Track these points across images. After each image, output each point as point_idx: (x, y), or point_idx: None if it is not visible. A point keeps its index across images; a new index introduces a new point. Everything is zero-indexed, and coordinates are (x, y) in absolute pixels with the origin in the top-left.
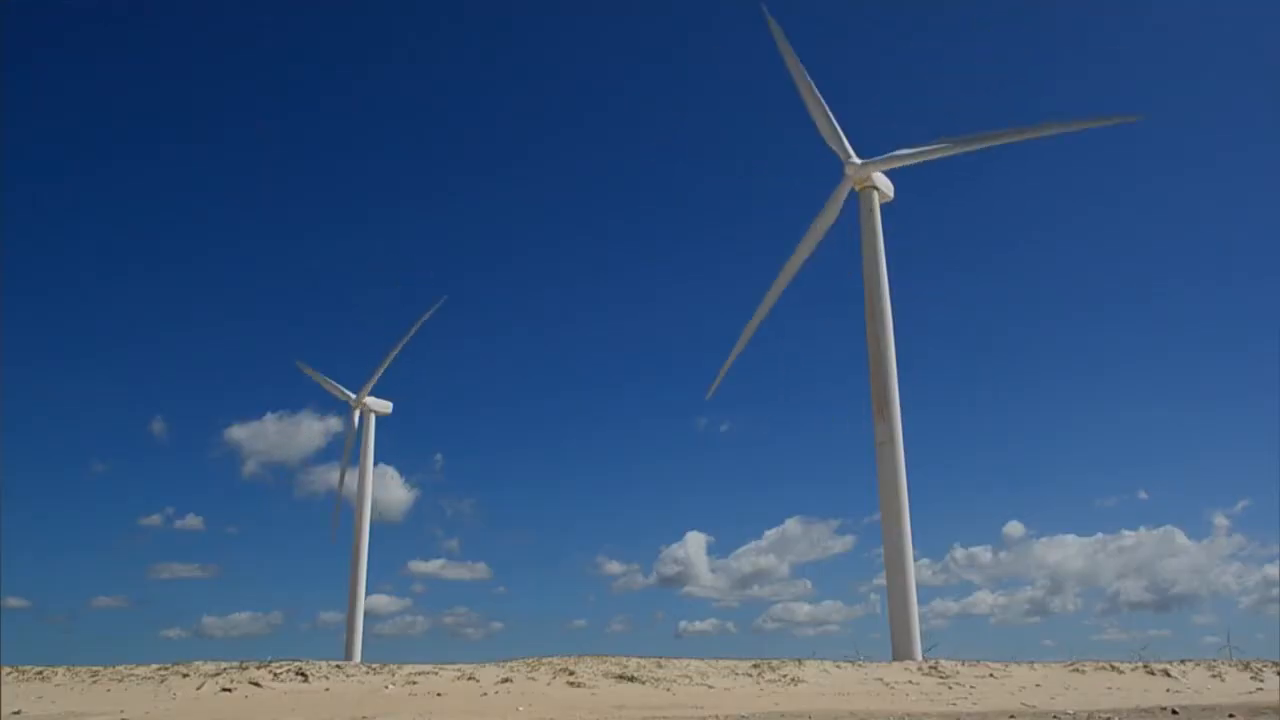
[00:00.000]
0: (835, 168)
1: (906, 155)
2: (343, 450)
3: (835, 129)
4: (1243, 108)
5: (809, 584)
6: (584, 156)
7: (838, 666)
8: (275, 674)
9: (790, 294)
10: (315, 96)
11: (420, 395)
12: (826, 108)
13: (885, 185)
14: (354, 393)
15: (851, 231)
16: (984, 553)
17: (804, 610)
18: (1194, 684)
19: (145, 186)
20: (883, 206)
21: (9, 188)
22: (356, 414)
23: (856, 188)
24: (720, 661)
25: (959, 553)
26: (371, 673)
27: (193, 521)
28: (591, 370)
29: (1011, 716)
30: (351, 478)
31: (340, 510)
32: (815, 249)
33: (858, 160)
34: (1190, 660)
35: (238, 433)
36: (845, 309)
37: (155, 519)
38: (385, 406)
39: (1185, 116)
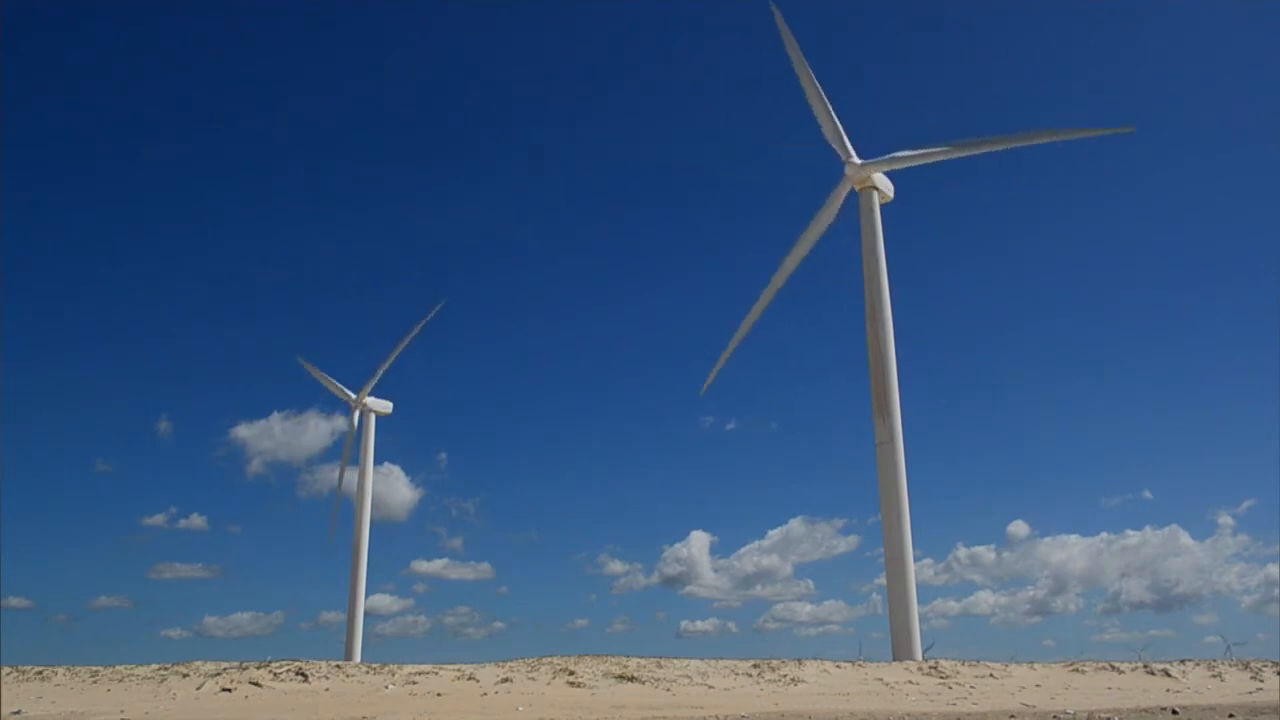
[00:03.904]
0: (836, 169)
1: (906, 157)
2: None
3: (837, 127)
4: (1242, 108)
5: (811, 584)
6: (585, 156)
7: (838, 667)
8: (275, 674)
9: (793, 294)
10: (315, 96)
11: (424, 395)
12: (829, 105)
13: (885, 185)
14: (355, 392)
15: (852, 231)
16: (987, 552)
17: (806, 610)
18: (1194, 684)
19: (145, 186)
20: (883, 207)
21: (9, 188)
22: (356, 414)
23: (856, 188)
24: (720, 661)
25: (962, 552)
26: (371, 673)
27: (196, 521)
28: (595, 370)
29: (1011, 716)
30: (351, 478)
31: (339, 510)
32: (813, 247)
33: (858, 160)
34: (1190, 660)
35: (243, 432)
36: (845, 309)
37: (158, 519)
38: (385, 406)
39: (1185, 117)
